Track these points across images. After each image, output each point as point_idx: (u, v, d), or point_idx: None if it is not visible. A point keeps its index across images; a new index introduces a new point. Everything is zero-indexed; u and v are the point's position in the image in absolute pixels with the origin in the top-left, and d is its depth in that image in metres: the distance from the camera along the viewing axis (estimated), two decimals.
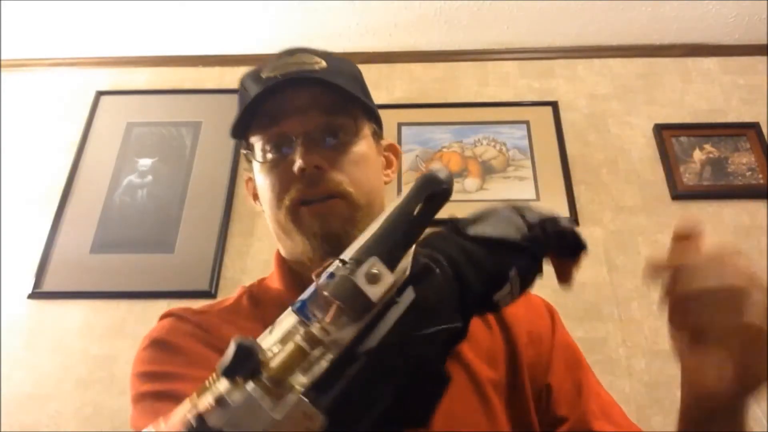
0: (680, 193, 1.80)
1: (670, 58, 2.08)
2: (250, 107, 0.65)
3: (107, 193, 1.88)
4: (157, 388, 0.57)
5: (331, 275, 0.31)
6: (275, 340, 0.30)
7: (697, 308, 0.43)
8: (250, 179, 0.73)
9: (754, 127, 1.91)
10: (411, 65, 2.12)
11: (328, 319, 0.29)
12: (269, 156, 0.66)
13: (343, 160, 0.65)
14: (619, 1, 1.91)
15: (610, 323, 1.61)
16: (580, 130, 1.95)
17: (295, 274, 0.69)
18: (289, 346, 0.28)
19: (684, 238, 0.46)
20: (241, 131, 0.69)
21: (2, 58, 2.12)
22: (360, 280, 0.29)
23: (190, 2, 1.92)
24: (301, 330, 0.29)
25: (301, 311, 0.30)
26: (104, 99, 2.08)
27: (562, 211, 1.78)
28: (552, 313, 0.72)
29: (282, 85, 0.64)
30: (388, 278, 0.30)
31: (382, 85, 2.06)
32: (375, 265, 0.30)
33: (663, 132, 1.91)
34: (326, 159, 0.63)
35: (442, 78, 2.10)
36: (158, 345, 0.62)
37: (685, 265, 0.44)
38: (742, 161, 1.86)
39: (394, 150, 0.78)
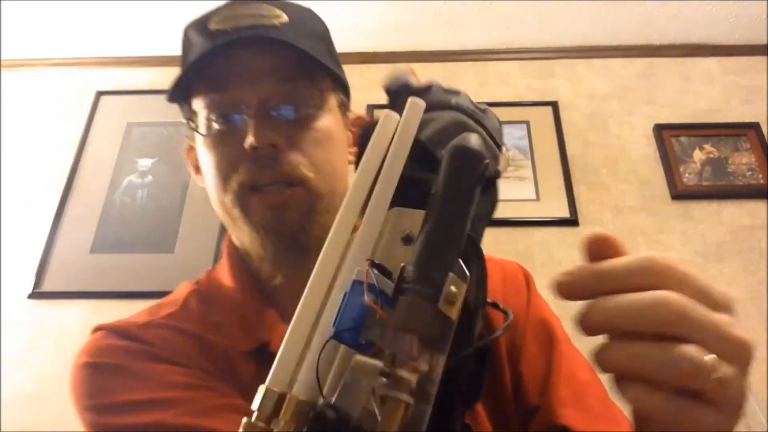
0: (680, 193, 1.80)
1: (670, 58, 2.08)
2: (194, 67, 0.54)
3: (107, 193, 1.88)
4: (132, 420, 0.48)
5: (378, 291, 0.26)
6: (357, 396, 0.24)
7: (620, 342, 0.29)
8: (192, 148, 0.62)
9: (754, 127, 1.91)
10: (411, 65, 2.11)
11: (415, 356, 0.24)
12: (215, 126, 0.56)
13: (303, 137, 0.55)
14: (619, 1, 1.91)
15: None
16: (580, 130, 1.95)
17: (246, 268, 0.61)
18: (390, 403, 0.23)
19: (597, 250, 0.31)
20: (182, 94, 0.58)
21: (2, 58, 2.12)
22: (443, 306, 0.25)
23: (191, 2, 1.91)
24: (389, 380, 0.24)
25: (376, 353, 0.25)
26: (104, 99, 2.08)
27: (562, 211, 1.78)
28: (528, 282, 0.64)
29: (234, 43, 0.54)
30: (464, 290, 0.26)
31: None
32: (455, 285, 0.25)
33: (663, 132, 1.91)
34: (284, 136, 0.54)
35: (442, 78, 2.09)
36: (100, 369, 0.52)
37: (599, 277, 0.30)
38: (742, 161, 1.86)
39: (362, 124, 0.67)
